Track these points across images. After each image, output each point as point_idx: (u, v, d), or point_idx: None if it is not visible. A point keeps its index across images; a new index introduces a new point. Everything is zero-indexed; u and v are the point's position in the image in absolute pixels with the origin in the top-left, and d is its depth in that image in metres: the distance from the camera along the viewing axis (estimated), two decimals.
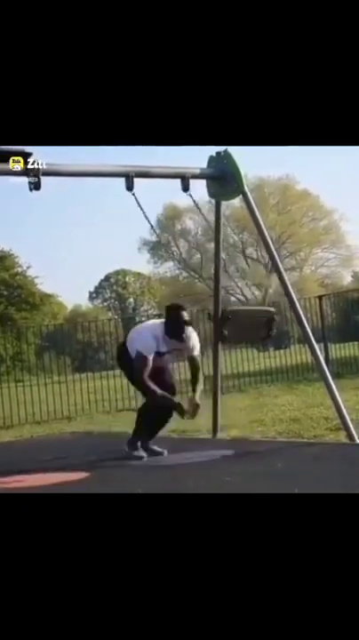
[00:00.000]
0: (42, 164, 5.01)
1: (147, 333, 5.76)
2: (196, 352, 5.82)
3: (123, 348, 5.93)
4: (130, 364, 5.77)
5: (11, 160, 4.93)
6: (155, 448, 5.82)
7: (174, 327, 5.65)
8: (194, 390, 5.77)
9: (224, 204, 6.56)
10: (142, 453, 5.72)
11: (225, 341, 6.43)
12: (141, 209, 5.51)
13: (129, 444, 5.80)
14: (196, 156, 6.16)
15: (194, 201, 5.78)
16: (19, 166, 4.96)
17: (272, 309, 6.06)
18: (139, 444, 5.78)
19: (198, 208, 6.25)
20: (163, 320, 5.82)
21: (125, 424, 6.36)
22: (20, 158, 4.94)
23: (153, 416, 5.79)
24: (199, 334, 6.13)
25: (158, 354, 5.66)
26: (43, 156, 5.01)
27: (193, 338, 5.81)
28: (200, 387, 5.80)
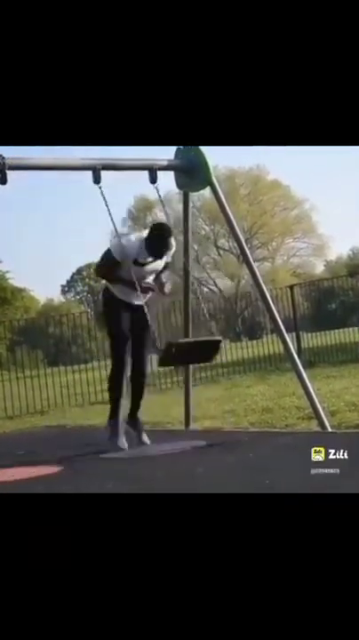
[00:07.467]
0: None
1: (126, 238, 5.57)
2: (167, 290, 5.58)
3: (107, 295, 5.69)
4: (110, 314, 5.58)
5: None
6: (144, 438, 5.68)
7: (157, 244, 5.39)
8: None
9: (194, 195, 6.53)
10: (123, 444, 5.52)
11: (164, 365, 6.26)
12: (106, 205, 5.29)
13: (110, 427, 5.60)
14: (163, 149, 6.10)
15: (159, 195, 5.69)
16: None
17: (219, 338, 5.96)
18: (119, 427, 5.53)
19: (162, 203, 6.14)
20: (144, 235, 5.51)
21: (99, 417, 6.35)
22: None
23: (124, 383, 5.55)
24: (171, 325, 6.07)
25: (136, 263, 5.40)
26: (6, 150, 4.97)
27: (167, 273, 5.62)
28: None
